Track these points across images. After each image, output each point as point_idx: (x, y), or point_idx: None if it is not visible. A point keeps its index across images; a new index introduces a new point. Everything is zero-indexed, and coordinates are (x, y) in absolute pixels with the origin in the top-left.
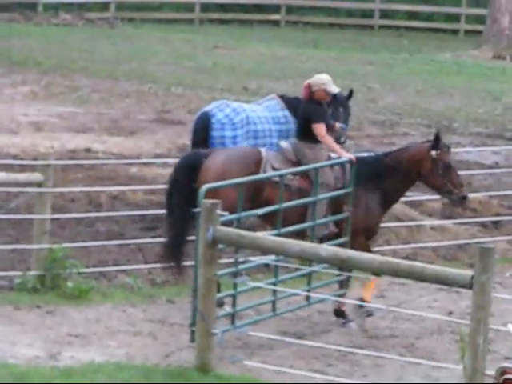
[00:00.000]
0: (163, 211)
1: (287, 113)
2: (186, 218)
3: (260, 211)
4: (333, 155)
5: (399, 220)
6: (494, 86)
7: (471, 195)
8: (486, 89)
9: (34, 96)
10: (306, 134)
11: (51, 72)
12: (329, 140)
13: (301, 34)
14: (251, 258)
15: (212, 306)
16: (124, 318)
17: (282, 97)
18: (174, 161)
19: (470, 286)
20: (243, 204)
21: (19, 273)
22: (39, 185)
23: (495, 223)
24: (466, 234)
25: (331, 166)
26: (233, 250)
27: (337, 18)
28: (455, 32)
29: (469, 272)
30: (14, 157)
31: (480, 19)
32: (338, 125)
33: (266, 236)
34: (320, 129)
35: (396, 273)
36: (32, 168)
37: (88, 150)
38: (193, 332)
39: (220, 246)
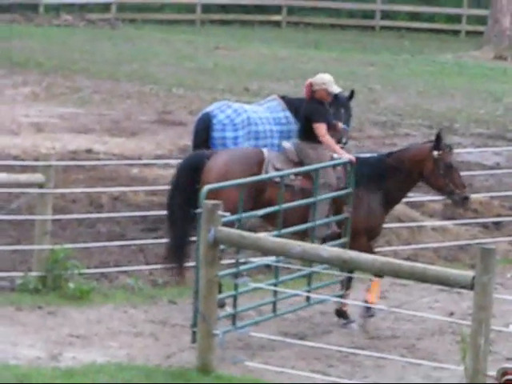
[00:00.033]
0: (164, 212)
1: (288, 114)
2: (188, 218)
3: (260, 212)
4: (335, 155)
5: (400, 221)
6: (495, 87)
7: (472, 196)
8: (487, 89)
9: (35, 97)
10: (308, 134)
11: (52, 73)
12: (329, 140)
13: (302, 35)
14: (252, 259)
15: (213, 307)
16: (125, 318)
17: (283, 98)
18: (175, 162)
19: (471, 287)
20: (246, 205)
21: (20, 274)
22: (40, 186)
23: (496, 224)
24: (467, 235)
25: (334, 166)
26: (234, 251)
27: (338, 19)
28: (456, 33)
29: (470, 273)
30: (15, 158)
31: (481, 20)
32: (340, 125)
33: (267, 237)
34: (321, 128)
35: (397, 274)
36: (33, 169)
37: (89, 151)
38: (194, 333)
39: (221, 246)
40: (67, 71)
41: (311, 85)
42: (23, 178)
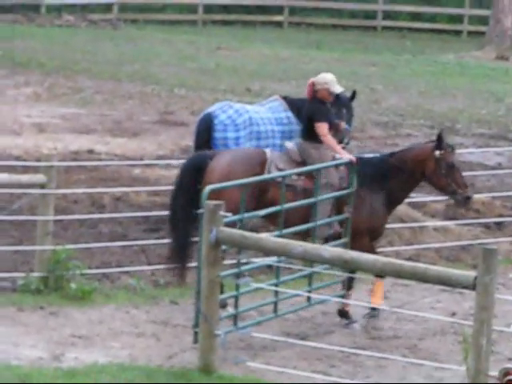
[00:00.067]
0: (166, 212)
1: (290, 114)
2: (190, 219)
3: (262, 212)
4: (338, 155)
5: (402, 221)
6: (497, 87)
7: (474, 196)
8: (489, 90)
9: (36, 97)
10: (310, 133)
11: (54, 73)
12: (330, 140)
13: (304, 35)
14: (254, 259)
15: (215, 308)
16: (127, 319)
17: (284, 98)
18: (176, 162)
19: (473, 287)
20: (249, 205)
21: (22, 274)
22: (42, 186)
23: (498, 224)
24: (469, 235)
25: (336, 166)
26: (235, 251)
27: (340, 19)
28: (458, 33)
29: (472, 273)
30: (17, 158)
31: (483, 20)
32: (343, 124)
33: (269, 237)
34: (322, 128)
35: (399, 274)
36: (35, 169)
37: (91, 152)
38: (196, 333)
39: (223, 247)
40: (69, 71)
41: (313, 84)
42: (25, 178)
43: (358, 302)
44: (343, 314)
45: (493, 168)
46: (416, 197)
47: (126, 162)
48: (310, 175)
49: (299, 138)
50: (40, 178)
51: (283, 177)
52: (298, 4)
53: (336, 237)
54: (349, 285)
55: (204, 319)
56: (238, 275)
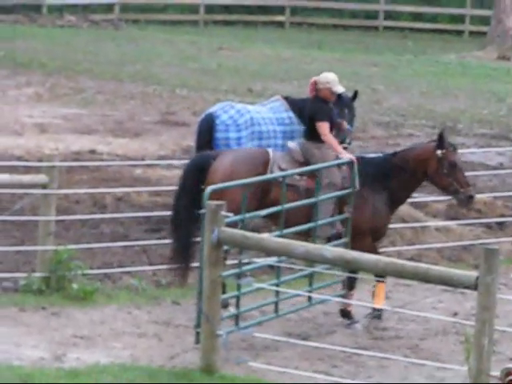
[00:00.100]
0: (168, 213)
1: (291, 114)
2: (193, 219)
3: (263, 212)
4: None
5: (404, 221)
6: (498, 87)
7: (476, 196)
8: (490, 90)
9: (38, 98)
10: (313, 133)
11: (56, 74)
12: (331, 139)
13: (305, 36)
14: (255, 260)
15: (217, 308)
16: (129, 319)
17: (286, 98)
18: (178, 162)
19: (474, 287)
20: (251, 205)
21: (24, 274)
22: (44, 186)
23: (500, 224)
24: (470, 235)
25: (338, 165)
26: (237, 252)
27: (341, 20)
28: (460, 33)
29: (473, 273)
30: (19, 158)
31: (484, 20)
32: (345, 124)
33: (270, 237)
34: (323, 127)
35: (401, 274)
36: (37, 170)
37: (93, 152)
38: (198, 333)
39: (225, 247)
40: (71, 72)
41: (315, 83)
42: (27, 178)
43: (359, 302)
44: (345, 313)
45: (494, 168)
46: (418, 197)
47: (127, 162)
48: (312, 175)
49: (302, 138)
50: (42, 178)
51: (284, 177)
52: (300, 4)
53: (338, 236)
54: (351, 285)
55: (206, 319)
56: (239, 275)
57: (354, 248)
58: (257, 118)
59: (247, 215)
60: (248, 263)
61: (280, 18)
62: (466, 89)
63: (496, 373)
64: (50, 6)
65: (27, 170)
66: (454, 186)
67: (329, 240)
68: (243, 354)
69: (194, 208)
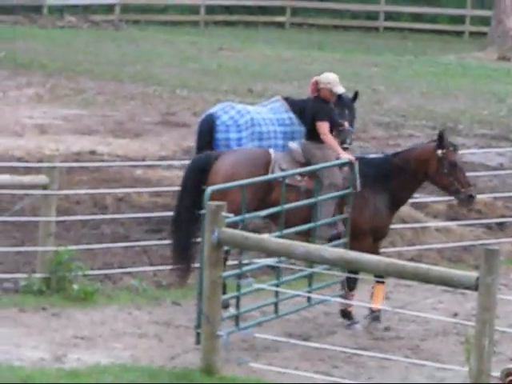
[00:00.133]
0: (168, 213)
1: (292, 115)
2: (193, 220)
3: (263, 213)
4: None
5: (404, 222)
6: (498, 88)
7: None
8: (490, 90)
9: (39, 98)
10: (314, 133)
11: (56, 74)
12: (330, 139)
13: (306, 36)
14: (255, 260)
15: (217, 308)
16: (129, 320)
17: (286, 99)
18: (178, 163)
19: (475, 288)
20: (253, 206)
21: (24, 275)
22: (44, 187)
23: (500, 225)
24: (470, 236)
25: (340, 166)
26: (237, 252)
27: (341, 20)
28: (460, 34)
29: (474, 274)
30: (19, 159)
31: (485, 21)
32: (345, 125)
33: (271, 238)
34: (323, 127)
35: (401, 274)
36: (37, 170)
37: (93, 153)
38: (198, 334)
39: (226, 247)
40: (71, 73)
41: (317, 83)
42: (27, 179)
43: (360, 303)
44: (346, 314)
45: (495, 168)
46: (418, 197)
47: (128, 162)
48: (313, 175)
49: (303, 139)
50: (42, 178)
51: (283, 177)
52: (300, 5)
53: (338, 237)
54: (352, 285)
55: (206, 320)
56: (239, 276)
57: (354, 248)
58: (257, 119)
59: (247, 216)
60: (248, 264)
61: (280, 18)
62: (466, 89)
63: (496, 373)
64: (50, 7)
65: (28, 170)
66: (455, 186)
67: (330, 241)
68: (244, 354)
69: (195, 208)
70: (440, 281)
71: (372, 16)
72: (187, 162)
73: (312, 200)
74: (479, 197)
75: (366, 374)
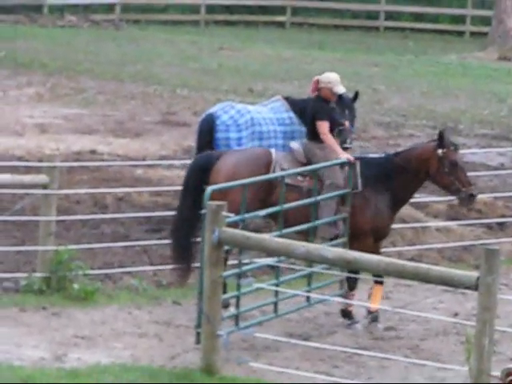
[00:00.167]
0: (169, 213)
1: (292, 114)
2: (194, 219)
3: (262, 212)
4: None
5: (404, 221)
6: (499, 88)
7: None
8: (491, 90)
9: (39, 98)
10: (315, 133)
11: (57, 74)
12: (330, 138)
13: (306, 36)
14: (256, 260)
15: (217, 308)
16: (130, 319)
17: (287, 98)
18: (179, 163)
19: (475, 288)
20: (254, 205)
21: (25, 275)
22: (45, 186)
23: (500, 224)
24: (471, 236)
25: (341, 166)
26: (238, 252)
27: (342, 20)
28: (461, 33)
29: (474, 273)
30: (20, 158)
31: (485, 21)
32: (347, 124)
33: (271, 238)
34: (323, 126)
35: (402, 274)
36: (37, 170)
37: (93, 152)
38: (198, 334)
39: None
40: (71, 72)
41: (318, 82)
42: (27, 178)
43: (360, 303)
44: (346, 314)
45: (495, 168)
46: (418, 197)
47: (128, 162)
48: (315, 176)
49: (304, 138)
50: (42, 178)
51: (283, 176)
52: (301, 4)
53: (337, 236)
54: (352, 285)
55: (206, 320)
56: (239, 275)
57: (355, 248)
58: (257, 119)
59: (247, 215)
60: (248, 263)
61: (281, 18)
62: (467, 89)
63: (496, 373)
64: (50, 6)
65: (28, 170)
66: (456, 185)
67: (331, 240)
68: (244, 354)
69: (196, 208)
70: (440, 280)
71: (372, 16)
72: (187, 162)
73: (310, 200)
74: (480, 196)
75: (366, 374)
